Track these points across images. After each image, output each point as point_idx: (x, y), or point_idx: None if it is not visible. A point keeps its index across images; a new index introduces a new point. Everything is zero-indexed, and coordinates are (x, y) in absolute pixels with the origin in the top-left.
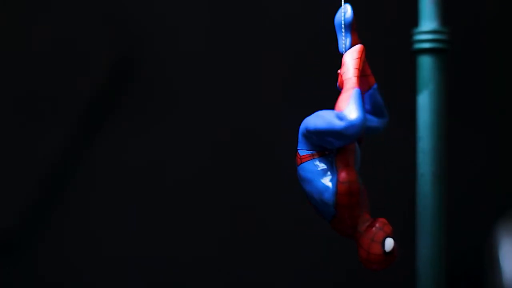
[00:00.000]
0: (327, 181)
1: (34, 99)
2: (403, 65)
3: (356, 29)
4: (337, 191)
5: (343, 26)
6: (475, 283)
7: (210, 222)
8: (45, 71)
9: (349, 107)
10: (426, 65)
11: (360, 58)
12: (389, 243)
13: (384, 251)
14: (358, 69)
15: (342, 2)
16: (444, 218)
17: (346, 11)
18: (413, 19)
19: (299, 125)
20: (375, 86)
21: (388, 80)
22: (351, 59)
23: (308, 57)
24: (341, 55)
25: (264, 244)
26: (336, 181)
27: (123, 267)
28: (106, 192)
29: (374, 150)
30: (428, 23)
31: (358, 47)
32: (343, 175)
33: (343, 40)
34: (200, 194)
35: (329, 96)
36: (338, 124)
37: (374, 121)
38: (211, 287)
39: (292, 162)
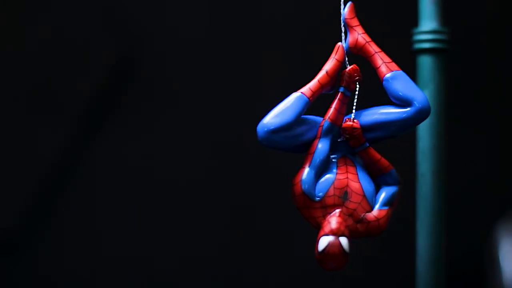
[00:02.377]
0: None
1: (34, 99)
2: (403, 65)
3: (356, 26)
4: None
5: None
6: (475, 283)
7: (209, 222)
8: (45, 71)
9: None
10: (426, 65)
11: (337, 59)
12: (322, 242)
13: (317, 249)
14: (327, 71)
15: (342, 1)
16: (444, 218)
17: (344, 8)
18: (413, 19)
19: None
20: (385, 77)
21: None
22: (329, 59)
23: (308, 57)
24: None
25: (264, 244)
26: None
27: (123, 267)
28: (106, 192)
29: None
30: (428, 23)
31: (336, 46)
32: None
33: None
34: (200, 194)
35: (331, 96)
36: None
37: (392, 114)
38: (211, 287)
39: (290, 162)
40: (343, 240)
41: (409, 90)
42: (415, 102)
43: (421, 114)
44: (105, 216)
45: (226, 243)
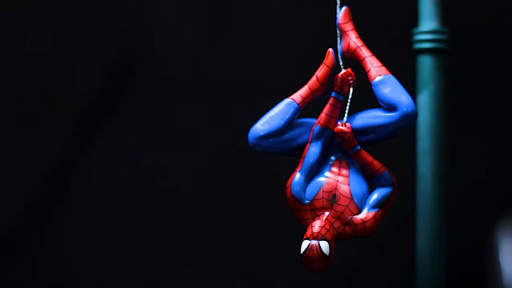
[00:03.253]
0: None
1: (34, 99)
2: (403, 65)
3: (349, 31)
4: None
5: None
6: (475, 283)
7: (210, 221)
8: (45, 71)
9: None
10: (426, 65)
11: (326, 64)
12: (303, 246)
13: (300, 252)
14: (317, 77)
15: (338, 5)
16: (444, 218)
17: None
18: (413, 19)
19: None
20: (373, 81)
21: None
22: (321, 65)
23: (311, 58)
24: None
25: (264, 244)
26: None
27: (123, 267)
28: (106, 192)
29: (373, 150)
30: (428, 23)
31: (327, 52)
32: None
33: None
34: (200, 194)
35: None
36: None
37: (380, 118)
38: (211, 287)
39: (289, 160)
40: (323, 244)
41: (395, 94)
42: (400, 107)
43: (406, 119)
44: (105, 216)
45: (227, 243)
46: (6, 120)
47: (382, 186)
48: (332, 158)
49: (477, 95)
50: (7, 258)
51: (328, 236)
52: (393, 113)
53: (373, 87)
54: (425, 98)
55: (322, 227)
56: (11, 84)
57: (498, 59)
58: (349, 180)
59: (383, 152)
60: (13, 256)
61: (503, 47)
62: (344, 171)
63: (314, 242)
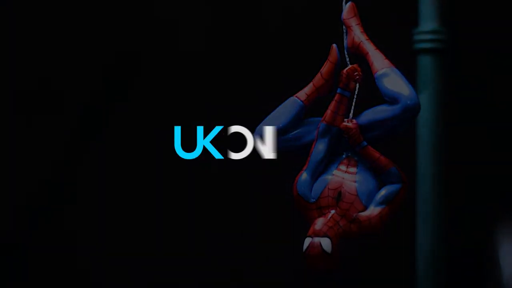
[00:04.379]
0: None
1: (34, 99)
2: (403, 65)
3: (354, 26)
4: None
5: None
6: (475, 282)
7: (210, 221)
8: (44, 71)
9: None
10: (426, 65)
11: (330, 60)
12: (305, 244)
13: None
14: (322, 74)
15: (344, 1)
16: (444, 218)
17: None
18: (413, 19)
19: None
20: (376, 75)
21: None
22: (326, 61)
23: (312, 58)
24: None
25: (265, 243)
26: None
27: (124, 267)
28: (106, 192)
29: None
30: (428, 23)
31: (331, 48)
32: None
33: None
34: (202, 193)
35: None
36: None
37: (384, 112)
38: (211, 287)
39: (292, 159)
40: (324, 241)
41: (396, 87)
42: (401, 100)
43: (408, 112)
44: (105, 216)
45: (228, 243)
46: (6, 119)
47: (392, 183)
48: (342, 156)
49: (477, 95)
50: (7, 258)
51: (330, 233)
52: (395, 106)
53: (376, 80)
54: (425, 98)
55: (325, 224)
56: (10, 84)
57: (498, 59)
58: (356, 178)
59: (383, 152)
60: (13, 256)
61: (503, 47)
62: (352, 169)
63: (315, 239)
